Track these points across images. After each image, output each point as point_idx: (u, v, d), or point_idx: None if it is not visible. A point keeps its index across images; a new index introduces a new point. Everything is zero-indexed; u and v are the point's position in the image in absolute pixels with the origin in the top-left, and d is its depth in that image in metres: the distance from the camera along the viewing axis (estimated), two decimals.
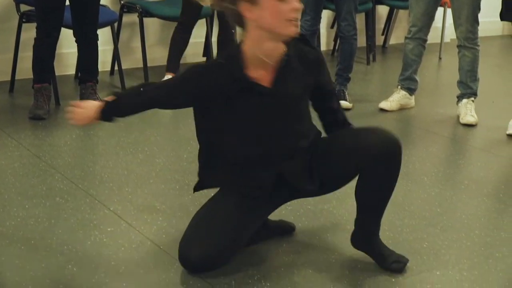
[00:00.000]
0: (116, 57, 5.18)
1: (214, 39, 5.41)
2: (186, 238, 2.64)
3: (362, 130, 2.76)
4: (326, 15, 6.43)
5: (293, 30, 2.54)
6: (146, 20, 5.39)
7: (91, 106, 2.70)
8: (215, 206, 2.71)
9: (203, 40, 5.71)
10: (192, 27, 5.07)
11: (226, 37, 5.18)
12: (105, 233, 2.94)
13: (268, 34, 2.53)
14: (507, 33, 7.74)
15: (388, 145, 2.59)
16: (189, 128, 3.47)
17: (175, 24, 5.13)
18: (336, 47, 6.34)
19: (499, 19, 4.44)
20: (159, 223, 3.06)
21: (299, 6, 2.53)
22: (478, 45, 4.58)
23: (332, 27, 6.61)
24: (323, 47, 6.52)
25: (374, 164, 2.58)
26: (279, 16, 2.50)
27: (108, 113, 2.69)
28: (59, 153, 3.84)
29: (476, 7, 4.48)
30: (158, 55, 5.58)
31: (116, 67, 5.25)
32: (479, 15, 4.55)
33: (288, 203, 2.97)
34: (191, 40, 5.14)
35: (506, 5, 4.30)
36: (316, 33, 5.01)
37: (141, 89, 2.71)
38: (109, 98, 2.70)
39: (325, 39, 6.62)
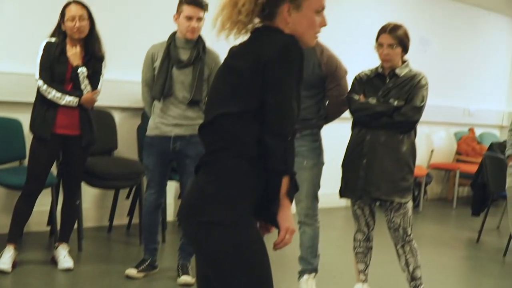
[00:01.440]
0: None
1: (59, 207, 5.35)
2: None
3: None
4: (174, 186, 6.52)
5: (314, 42, 2.76)
6: None
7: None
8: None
9: (48, 208, 5.63)
10: (37, 196, 5.00)
11: (70, 207, 5.14)
12: None
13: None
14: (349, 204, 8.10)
15: None
16: None
17: (19, 192, 5.04)
18: None
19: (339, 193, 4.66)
20: None
21: (327, 23, 2.73)
22: (318, 221, 4.75)
23: (179, 198, 6.70)
24: (170, 218, 6.56)
25: None
26: (312, 27, 2.69)
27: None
28: None
29: (316, 185, 4.70)
30: (1, 223, 5.43)
31: None
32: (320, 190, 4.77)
33: None
34: (36, 208, 5.06)
35: (345, 182, 4.53)
36: (160, 206, 5.05)
37: None
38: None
39: (172, 210, 6.68)
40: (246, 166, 2.55)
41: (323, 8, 2.73)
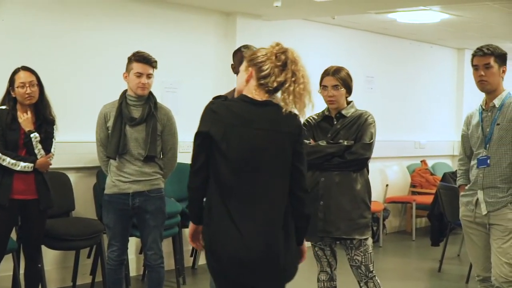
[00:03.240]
0: None
1: (21, 271, 5.32)
2: None
3: None
4: (134, 241, 6.52)
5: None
6: None
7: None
8: None
9: (11, 273, 5.59)
10: None
11: (32, 271, 5.11)
12: None
13: None
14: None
15: None
16: None
17: None
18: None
19: None
20: None
21: None
22: None
23: (140, 252, 6.70)
24: (132, 273, 6.55)
25: None
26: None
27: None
28: None
29: None
30: None
31: None
32: None
33: None
34: None
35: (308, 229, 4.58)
36: (123, 263, 5.05)
37: None
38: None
39: (134, 265, 6.67)
40: None
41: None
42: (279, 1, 6.65)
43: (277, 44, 3.27)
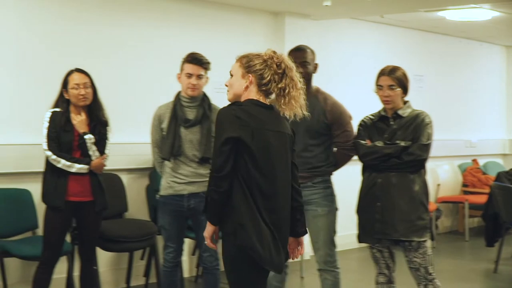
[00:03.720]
0: None
1: (76, 273, 5.35)
2: None
3: None
4: (187, 243, 6.52)
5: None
6: (6, 260, 5.28)
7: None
8: None
9: (65, 275, 5.63)
10: (55, 265, 4.99)
11: (88, 272, 5.13)
12: None
13: None
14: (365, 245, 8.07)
15: None
16: None
17: (34, 263, 5.04)
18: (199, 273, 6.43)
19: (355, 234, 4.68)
20: None
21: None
22: (338, 267, 4.74)
23: (193, 254, 6.69)
24: (185, 274, 6.55)
25: None
26: None
27: None
28: None
29: (332, 231, 4.71)
30: None
31: None
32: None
33: None
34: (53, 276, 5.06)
35: (362, 227, 4.55)
36: (178, 265, 5.04)
37: None
38: None
39: (187, 266, 6.67)
40: None
41: None
42: (329, 0, 6.59)
43: (274, 52, 3.53)
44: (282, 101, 3.49)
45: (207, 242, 3.56)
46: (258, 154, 3.42)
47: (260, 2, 7.10)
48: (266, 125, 3.47)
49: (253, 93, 3.50)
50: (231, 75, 3.59)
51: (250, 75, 3.49)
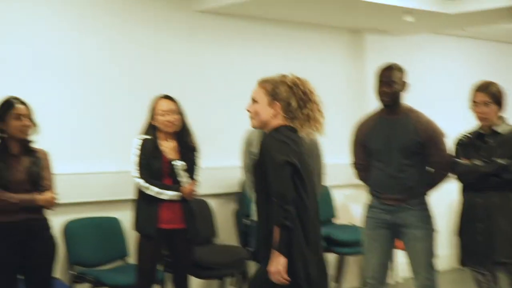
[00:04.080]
0: None
1: None
2: None
3: None
4: None
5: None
6: None
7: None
8: None
9: None
10: None
11: None
12: None
13: None
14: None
15: None
16: None
17: None
18: None
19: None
20: None
21: None
22: None
23: None
24: None
25: None
26: None
27: None
28: None
29: (431, 254, 4.56)
30: None
31: None
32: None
33: None
34: None
35: (464, 250, 4.41)
36: None
37: None
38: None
39: None
40: None
41: None
42: (411, 17, 6.48)
43: (298, 78, 3.53)
44: (306, 124, 3.52)
45: (281, 277, 3.34)
46: (306, 179, 3.47)
47: (338, 19, 7.02)
48: (303, 149, 3.52)
49: (280, 119, 3.52)
50: (254, 101, 3.57)
51: (276, 102, 3.49)
